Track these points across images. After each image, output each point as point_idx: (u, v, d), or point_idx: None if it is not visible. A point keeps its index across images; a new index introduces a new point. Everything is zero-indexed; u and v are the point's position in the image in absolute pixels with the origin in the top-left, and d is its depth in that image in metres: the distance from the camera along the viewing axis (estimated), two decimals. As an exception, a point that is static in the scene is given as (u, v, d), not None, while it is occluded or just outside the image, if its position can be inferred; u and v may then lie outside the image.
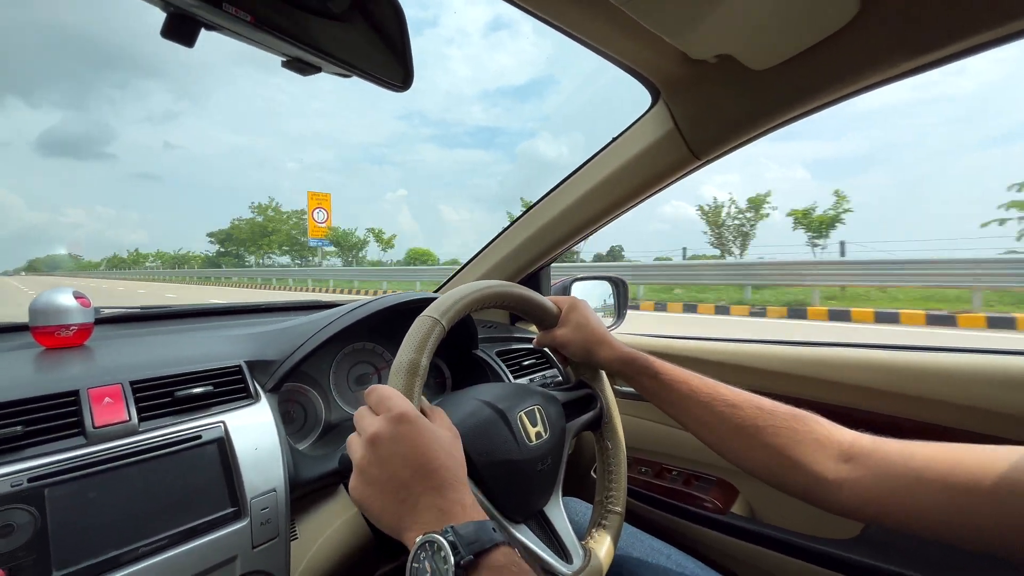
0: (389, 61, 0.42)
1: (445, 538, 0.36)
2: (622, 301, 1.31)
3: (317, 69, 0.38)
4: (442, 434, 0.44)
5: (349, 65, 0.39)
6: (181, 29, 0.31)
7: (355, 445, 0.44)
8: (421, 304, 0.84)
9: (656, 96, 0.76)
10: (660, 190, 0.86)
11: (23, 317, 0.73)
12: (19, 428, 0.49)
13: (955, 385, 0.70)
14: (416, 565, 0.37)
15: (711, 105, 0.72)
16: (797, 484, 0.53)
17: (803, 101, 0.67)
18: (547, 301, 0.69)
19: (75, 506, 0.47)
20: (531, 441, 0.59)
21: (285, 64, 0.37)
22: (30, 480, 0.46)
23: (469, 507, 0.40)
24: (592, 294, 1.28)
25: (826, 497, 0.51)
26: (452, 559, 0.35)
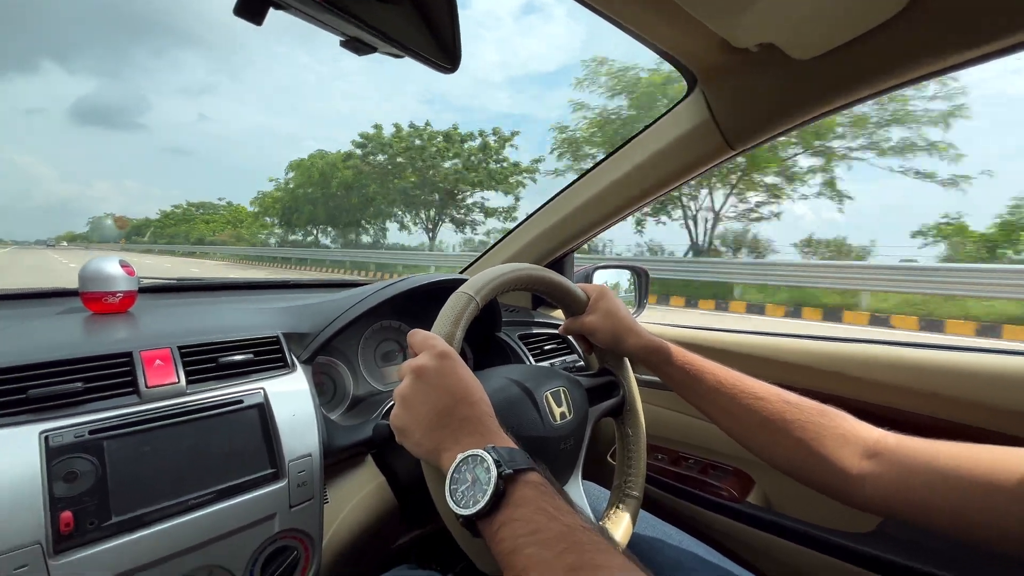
0: (439, 43, 0.43)
1: (488, 453, 0.39)
2: (643, 291, 1.31)
3: (372, 49, 0.39)
4: (478, 381, 0.48)
5: (402, 46, 0.40)
6: (251, 7, 0.32)
7: (401, 375, 0.48)
8: (448, 284, 0.86)
9: (693, 84, 0.76)
10: (691, 179, 0.85)
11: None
12: (79, 384, 0.52)
13: (993, 386, 0.69)
14: (457, 475, 0.40)
15: (749, 94, 0.71)
16: (821, 478, 0.54)
17: (844, 93, 0.66)
18: (576, 288, 0.70)
19: (131, 458, 0.51)
20: (556, 420, 0.61)
21: (343, 44, 0.38)
22: (91, 432, 0.50)
23: (504, 438, 0.43)
24: (613, 283, 1.29)
25: (849, 492, 0.52)
26: (495, 470, 0.38)
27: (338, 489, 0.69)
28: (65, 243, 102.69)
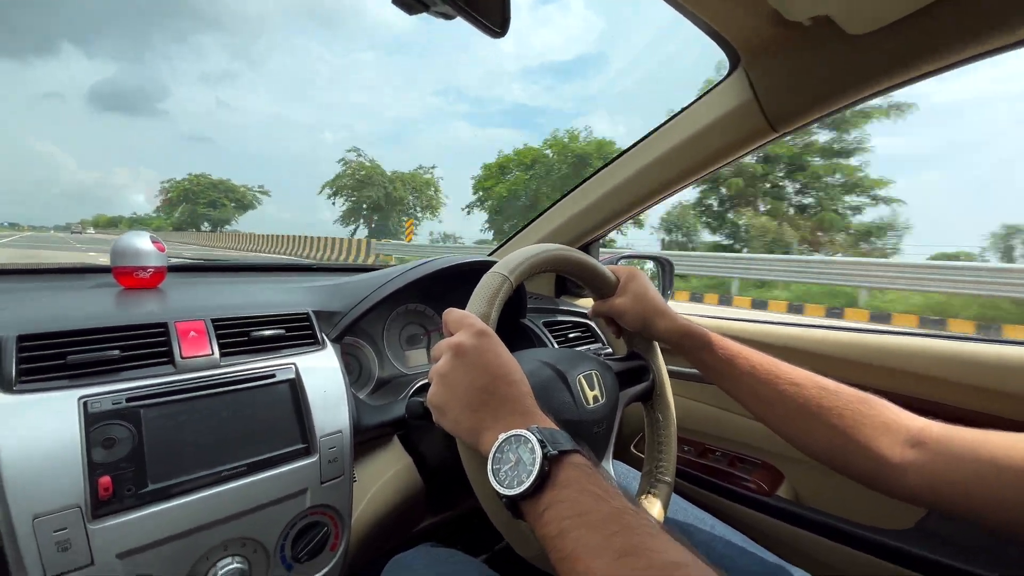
0: (490, 4, 0.41)
1: (533, 433, 0.38)
2: (667, 281, 1.29)
3: (424, 7, 0.38)
4: (516, 361, 0.47)
5: (454, 4, 0.38)
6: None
7: (438, 353, 0.47)
8: (475, 267, 0.85)
9: (735, 63, 0.73)
10: (731, 163, 0.83)
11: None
12: (116, 352, 0.52)
13: None
14: (499, 455, 0.39)
15: (797, 72, 0.68)
16: (860, 467, 0.52)
17: (897, 71, 0.63)
18: (607, 269, 0.69)
19: (167, 427, 0.50)
20: (588, 404, 0.59)
21: (395, 1, 0.37)
22: (128, 400, 0.49)
23: (545, 419, 0.42)
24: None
25: (890, 481, 0.50)
26: (539, 450, 0.37)
27: (364, 469, 0.69)
28: (91, 230, 79.12)
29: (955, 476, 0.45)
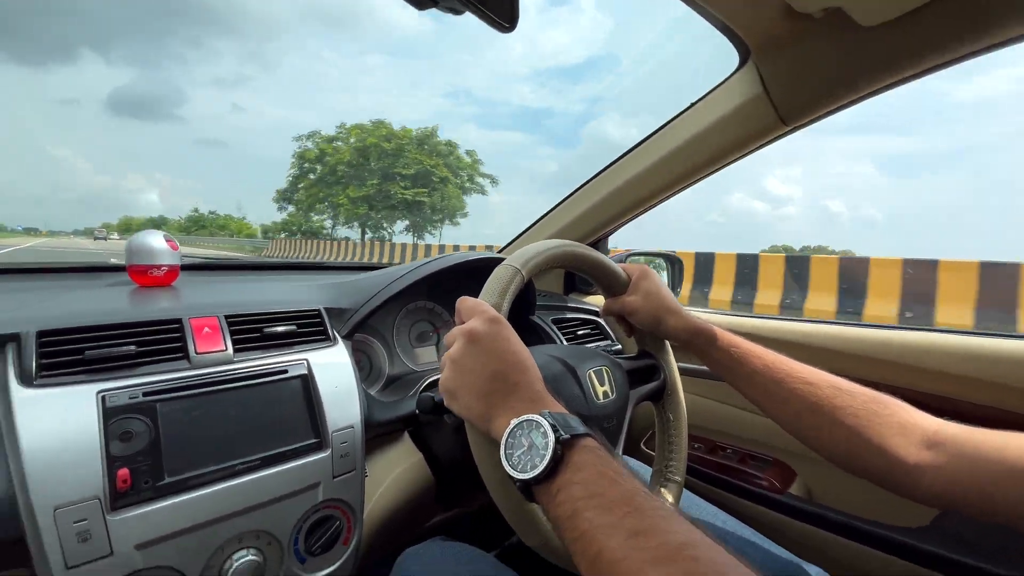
0: (498, 1, 0.42)
1: (545, 418, 0.38)
2: (677, 279, 1.29)
3: (434, 3, 0.38)
4: (527, 349, 0.47)
5: (464, 1, 0.39)
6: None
7: (450, 339, 0.47)
8: (485, 263, 0.86)
9: (745, 57, 0.73)
10: (741, 158, 0.82)
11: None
12: (133, 348, 0.53)
13: None
14: (512, 440, 0.39)
15: (808, 65, 0.67)
16: (875, 467, 0.51)
17: (909, 63, 0.63)
18: (618, 267, 0.69)
19: (182, 421, 0.51)
20: (599, 399, 0.59)
21: (405, -5, 0.37)
22: (145, 394, 0.50)
23: (556, 405, 0.42)
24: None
25: (905, 482, 0.49)
26: (552, 435, 0.37)
27: (375, 465, 0.70)
28: (116, 234, 72.95)
29: (973, 478, 0.45)
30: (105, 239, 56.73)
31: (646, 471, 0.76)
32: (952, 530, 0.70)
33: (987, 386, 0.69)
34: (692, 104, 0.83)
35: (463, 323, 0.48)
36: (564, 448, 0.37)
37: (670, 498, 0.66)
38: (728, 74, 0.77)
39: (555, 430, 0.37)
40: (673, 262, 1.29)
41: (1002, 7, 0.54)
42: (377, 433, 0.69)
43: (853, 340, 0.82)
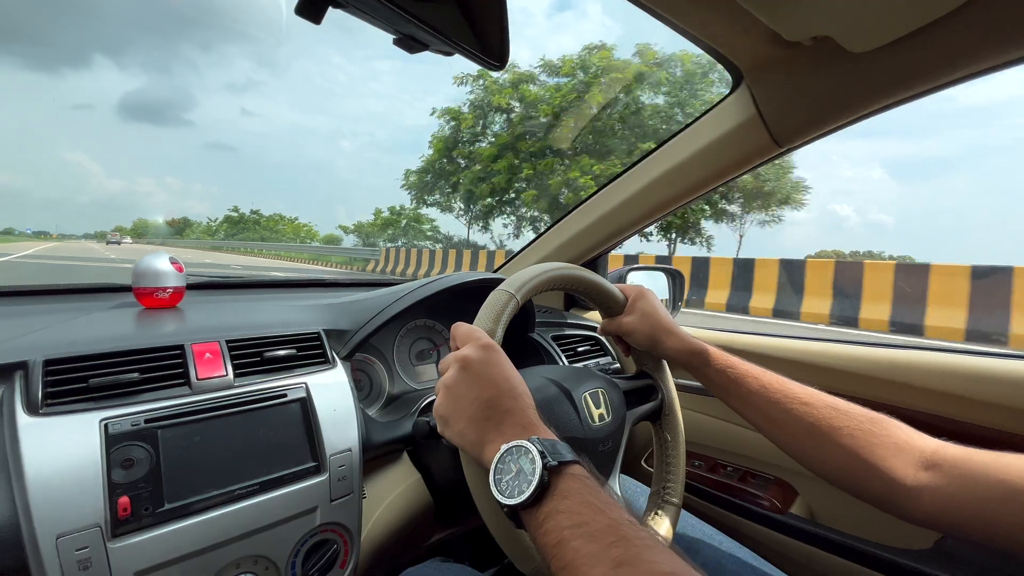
0: (488, 41, 0.43)
1: (533, 444, 0.39)
2: (678, 293, 1.29)
3: (424, 47, 0.40)
4: (520, 375, 0.48)
5: (453, 43, 0.40)
6: (312, 6, 0.33)
7: (444, 366, 0.48)
8: (484, 284, 0.86)
9: (738, 80, 0.74)
10: (736, 178, 0.83)
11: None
12: (135, 375, 0.54)
13: None
14: (501, 466, 0.40)
15: (800, 90, 0.68)
16: (872, 489, 0.51)
17: (900, 88, 0.63)
18: (615, 288, 0.69)
19: (183, 447, 0.52)
20: (594, 422, 0.60)
21: (396, 42, 0.39)
22: (146, 421, 0.51)
23: (547, 431, 0.43)
24: (648, 285, 1.26)
25: (904, 504, 0.49)
26: (540, 461, 0.38)
27: (374, 485, 0.70)
28: (129, 239, 74.04)
29: (972, 500, 0.45)
30: (119, 243, 55.63)
31: (644, 491, 0.76)
32: (956, 553, 0.69)
33: (986, 406, 0.69)
34: (688, 124, 0.84)
35: (457, 349, 0.48)
36: (551, 474, 0.37)
37: (667, 521, 0.66)
38: (723, 95, 0.78)
39: (543, 456, 0.38)
40: (674, 276, 1.29)
41: (986, 36, 0.54)
42: (376, 454, 0.69)
43: (850, 359, 0.82)
